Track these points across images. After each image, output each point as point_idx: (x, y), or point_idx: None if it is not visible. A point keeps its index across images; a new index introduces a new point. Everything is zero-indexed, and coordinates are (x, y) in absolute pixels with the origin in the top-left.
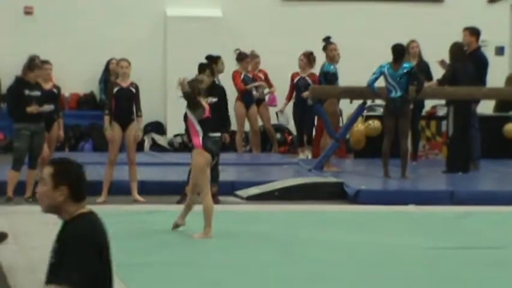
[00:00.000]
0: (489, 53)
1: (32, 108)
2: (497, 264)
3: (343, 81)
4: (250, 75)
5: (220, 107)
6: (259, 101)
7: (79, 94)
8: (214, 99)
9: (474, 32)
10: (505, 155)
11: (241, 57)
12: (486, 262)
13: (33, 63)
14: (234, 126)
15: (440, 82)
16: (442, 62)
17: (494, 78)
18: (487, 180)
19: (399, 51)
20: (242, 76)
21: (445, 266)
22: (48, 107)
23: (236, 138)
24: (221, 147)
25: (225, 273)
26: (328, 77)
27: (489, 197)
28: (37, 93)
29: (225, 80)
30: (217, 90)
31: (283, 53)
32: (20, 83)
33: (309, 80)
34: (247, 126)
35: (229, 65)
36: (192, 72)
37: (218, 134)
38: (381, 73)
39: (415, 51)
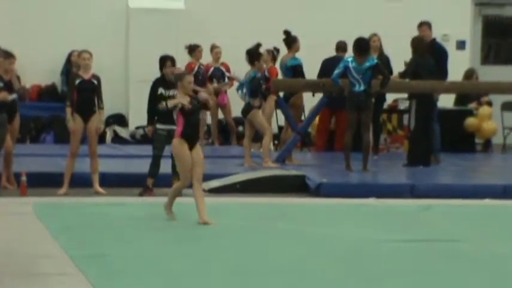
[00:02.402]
0: (450, 47)
1: (1, 96)
2: (456, 257)
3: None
4: (203, 67)
5: None
6: (219, 93)
7: (40, 86)
8: (175, 92)
9: (430, 26)
10: (465, 148)
11: (192, 48)
12: (446, 255)
13: None
14: None
15: (402, 75)
16: (406, 63)
17: (456, 73)
18: (447, 173)
19: (362, 46)
20: (196, 68)
21: (405, 259)
22: (12, 96)
23: None
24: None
25: (185, 265)
26: (299, 70)
27: (449, 190)
28: (0, 84)
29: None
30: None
31: (245, 46)
32: None
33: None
34: (208, 119)
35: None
36: (154, 65)
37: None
38: (345, 67)
39: (376, 45)
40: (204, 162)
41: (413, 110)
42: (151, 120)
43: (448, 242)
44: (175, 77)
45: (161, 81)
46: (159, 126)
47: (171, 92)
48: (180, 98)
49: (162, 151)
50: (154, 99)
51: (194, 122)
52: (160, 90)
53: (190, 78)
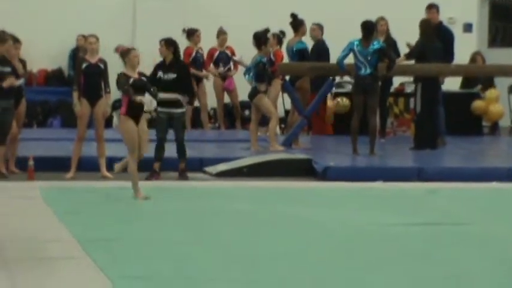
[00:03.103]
0: (457, 30)
1: (9, 81)
2: (463, 241)
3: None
4: (202, 51)
5: (179, 83)
6: (226, 77)
7: (47, 70)
8: (173, 76)
9: (438, 9)
10: (472, 131)
11: (190, 33)
12: (453, 238)
13: (2, 39)
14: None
15: (408, 56)
16: (408, 45)
17: (463, 56)
18: (454, 156)
19: (369, 28)
20: (194, 53)
21: (413, 242)
22: (19, 82)
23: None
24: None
25: (191, 249)
26: (305, 53)
27: (456, 173)
28: (8, 69)
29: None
30: (176, 67)
31: (249, 30)
32: None
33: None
34: (213, 103)
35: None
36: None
37: (179, 110)
38: (350, 50)
39: (383, 29)
40: (148, 134)
41: (419, 93)
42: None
43: (456, 225)
44: (122, 53)
45: (161, 65)
46: (160, 109)
47: (169, 76)
48: (129, 72)
49: (165, 133)
50: (151, 81)
51: (138, 101)
52: (159, 74)
53: (136, 52)
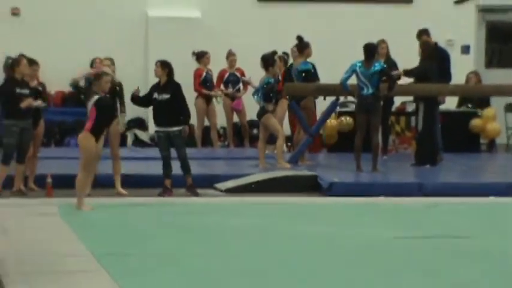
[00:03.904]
0: (455, 51)
1: (27, 102)
2: (463, 253)
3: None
4: (211, 73)
5: (173, 103)
6: (234, 98)
7: (64, 92)
8: (167, 96)
9: (429, 33)
10: (470, 148)
11: (199, 55)
12: (453, 251)
13: (16, 60)
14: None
15: (407, 73)
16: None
17: (461, 76)
18: (453, 172)
19: (371, 50)
20: (204, 75)
21: (415, 255)
22: (37, 103)
23: (195, 133)
24: (184, 140)
25: (204, 263)
26: (309, 74)
27: (455, 188)
28: (26, 91)
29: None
30: (170, 87)
31: (259, 52)
32: (11, 82)
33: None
34: (223, 122)
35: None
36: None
37: (176, 128)
38: (353, 71)
39: (383, 52)
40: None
41: (421, 112)
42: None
43: (457, 238)
44: (95, 76)
45: (156, 86)
46: (158, 129)
47: (163, 96)
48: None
49: (167, 151)
50: (146, 99)
51: (104, 120)
52: (155, 95)
53: (108, 78)
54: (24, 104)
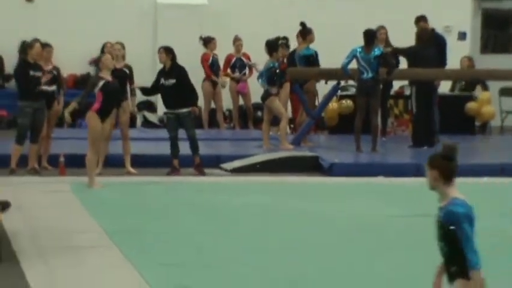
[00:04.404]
0: (452, 38)
1: (45, 79)
2: None
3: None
4: (217, 57)
5: (180, 87)
6: (239, 81)
7: (76, 75)
8: (172, 81)
9: (426, 19)
10: (465, 131)
11: (206, 40)
12: None
13: (30, 44)
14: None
15: (397, 51)
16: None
17: (457, 62)
18: None
19: (371, 36)
20: (210, 59)
21: (412, 232)
22: (51, 88)
23: (202, 115)
24: (193, 120)
25: (211, 239)
26: (311, 59)
27: None
28: (39, 73)
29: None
30: (175, 72)
31: (263, 38)
32: (24, 65)
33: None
34: (229, 104)
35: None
36: (179, 56)
37: (184, 110)
38: (354, 56)
39: (383, 37)
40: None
41: (413, 95)
42: (145, 93)
43: None
44: (96, 60)
45: (162, 72)
46: (167, 110)
47: (169, 81)
48: (103, 74)
49: (176, 132)
50: (154, 87)
51: (110, 104)
52: (162, 81)
53: (108, 56)
54: (42, 82)
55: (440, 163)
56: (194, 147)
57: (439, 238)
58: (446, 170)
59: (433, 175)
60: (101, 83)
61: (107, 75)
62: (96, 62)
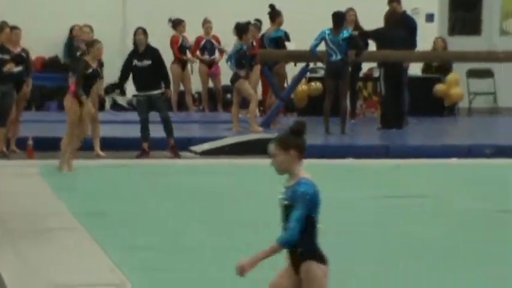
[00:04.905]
0: (420, 19)
1: (8, 66)
2: (426, 211)
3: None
4: (187, 40)
5: (155, 68)
6: (211, 63)
7: (44, 57)
8: (148, 62)
9: (399, 0)
10: (433, 113)
11: (176, 22)
12: (417, 209)
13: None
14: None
15: (364, 33)
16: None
17: (426, 43)
18: (418, 135)
19: (339, 18)
20: (180, 41)
21: (381, 213)
22: (17, 69)
23: (171, 97)
24: (165, 102)
25: (180, 221)
26: (281, 41)
27: (419, 150)
28: (7, 56)
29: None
30: (150, 53)
31: (234, 20)
32: None
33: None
34: (198, 87)
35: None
36: (149, 37)
37: (157, 91)
38: (322, 39)
39: (352, 19)
40: (90, 117)
41: (382, 78)
42: (120, 86)
43: (420, 197)
44: (88, 44)
45: (134, 53)
46: (138, 93)
47: (144, 63)
48: (90, 61)
49: (146, 114)
50: (126, 69)
51: (90, 86)
52: (134, 62)
53: (100, 45)
54: (6, 69)
55: (296, 142)
56: (169, 129)
57: (284, 219)
58: (302, 148)
59: (289, 156)
60: (89, 71)
61: (93, 63)
62: (87, 44)
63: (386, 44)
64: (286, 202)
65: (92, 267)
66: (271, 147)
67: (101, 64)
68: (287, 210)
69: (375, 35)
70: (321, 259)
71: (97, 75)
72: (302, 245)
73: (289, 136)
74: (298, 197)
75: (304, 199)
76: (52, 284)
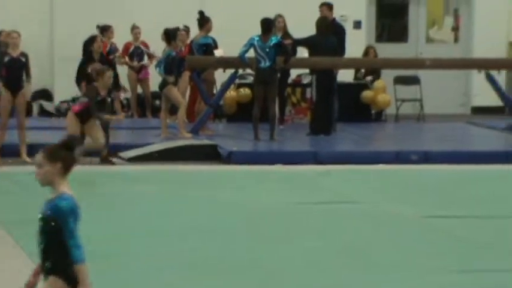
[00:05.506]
0: (348, 26)
1: None
2: (353, 217)
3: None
4: (115, 46)
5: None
6: (140, 69)
7: None
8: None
9: (330, 7)
10: (361, 118)
11: (104, 28)
12: (344, 215)
13: None
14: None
15: (296, 41)
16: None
17: (353, 50)
18: (346, 141)
19: (268, 25)
20: (108, 47)
21: (310, 218)
22: None
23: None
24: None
25: (103, 229)
26: (209, 48)
27: (348, 156)
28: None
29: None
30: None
31: (163, 26)
32: None
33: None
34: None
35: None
36: (77, 43)
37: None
38: (251, 45)
39: (281, 26)
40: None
41: (314, 84)
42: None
43: (348, 203)
44: (97, 72)
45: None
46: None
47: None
48: (100, 89)
49: None
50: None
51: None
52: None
53: (110, 73)
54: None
55: (65, 155)
56: (107, 138)
57: (40, 232)
58: (70, 162)
59: (54, 168)
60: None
61: (102, 91)
62: (97, 73)
63: (318, 51)
64: (41, 215)
65: (18, 274)
66: (39, 157)
67: (26, 69)
68: (44, 223)
69: (308, 43)
70: (69, 279)
71: (104, 102)
72: (49, 258)
73: (59, 149)
74: (58, 213)
75: (64, 214)
76: None
